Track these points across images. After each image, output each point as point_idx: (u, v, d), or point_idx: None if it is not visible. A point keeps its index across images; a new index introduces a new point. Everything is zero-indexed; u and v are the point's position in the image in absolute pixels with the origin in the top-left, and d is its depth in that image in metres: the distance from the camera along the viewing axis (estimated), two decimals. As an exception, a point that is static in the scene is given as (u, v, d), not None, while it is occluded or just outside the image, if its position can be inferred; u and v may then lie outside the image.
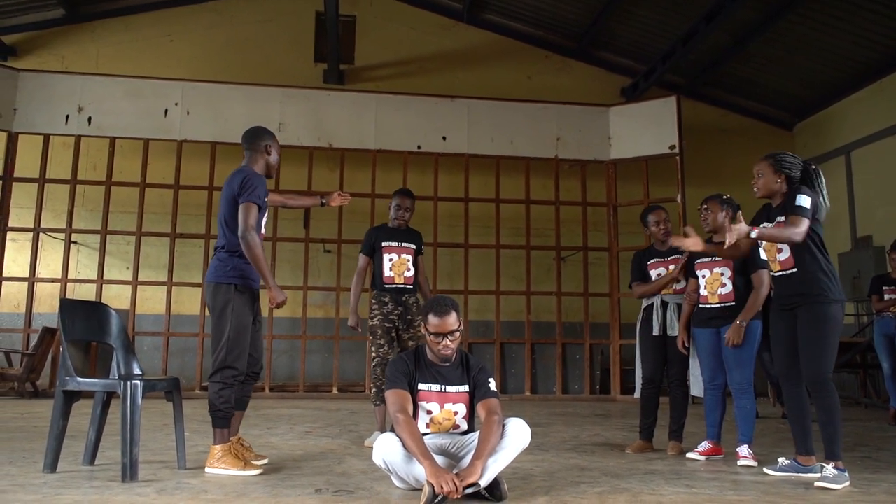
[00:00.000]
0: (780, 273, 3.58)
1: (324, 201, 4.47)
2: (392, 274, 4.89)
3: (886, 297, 6.38)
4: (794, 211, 3.40)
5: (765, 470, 3.66)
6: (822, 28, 8.90)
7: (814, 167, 3.65)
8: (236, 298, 3.55)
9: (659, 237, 4.62)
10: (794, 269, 3.50)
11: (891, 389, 6.32)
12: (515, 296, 9.61)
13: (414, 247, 4.99)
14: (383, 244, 4.93)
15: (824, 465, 3.32)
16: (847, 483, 3.26)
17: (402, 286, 4.89)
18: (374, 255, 4.97)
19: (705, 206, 4.29)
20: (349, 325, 4.93)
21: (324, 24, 9.90)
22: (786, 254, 3.53)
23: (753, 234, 3.36)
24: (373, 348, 4.85)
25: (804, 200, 3.41)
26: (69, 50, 10.18)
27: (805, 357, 3.44)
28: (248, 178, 3.59)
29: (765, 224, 3.61)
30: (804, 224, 3.36)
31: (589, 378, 9.52)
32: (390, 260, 4.90)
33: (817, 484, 3.24)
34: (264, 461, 3.76)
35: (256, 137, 3.81)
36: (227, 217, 3.62)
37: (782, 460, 3.62)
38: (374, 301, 4.89)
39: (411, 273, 4.93)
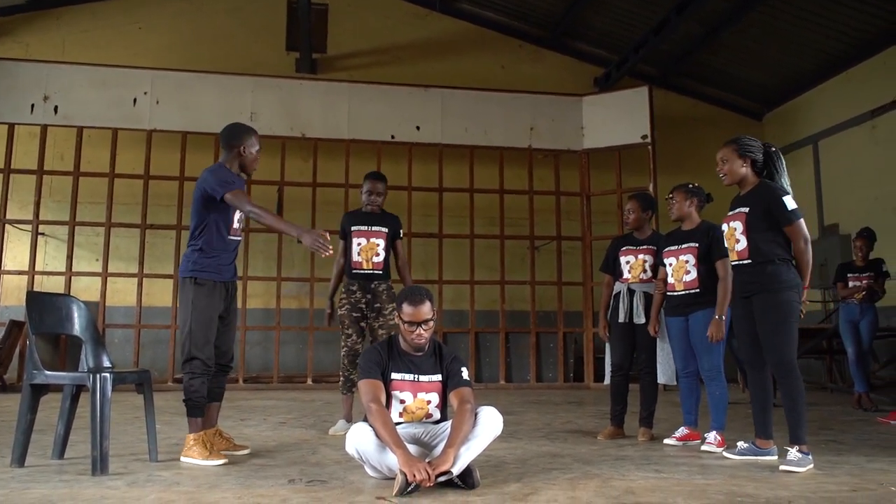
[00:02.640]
0: (737, 262, 3.66)
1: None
2: (360, 259, 4.79)
3: (851, 284, 6.52)
4: (790, 218, 3.49)
5: (724, 453, 3.74)
6: (791, 19, 9.01)
7: (773, 149, 3.71)
8: (196, 291, 3.60)
9: (625, 226, 4.75)
10: (749, 261, 3.58)
11: (855, 374, 6.47)
12: (490, 285, 9.65)
13: (386, 230, 4.85)
14: (353, 228, 4.85)
15: (788, 448, 3.39)
16: (811, 466, 3.34)
17: (371, 272, 4.79)
18: (346, 240, 4.88)
19: (671, 196, 4.38)
20: (325, 311, 4.98)
21: (295, 12, 9.80)
22: (742, 244, 3.60)
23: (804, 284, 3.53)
24: (342, 337, 4.79)
25: (792, 202, 3.51)
26: (34, 37, 9.95)
27: (767, 346, 3.51)
28: (209, 181, 3.61)
29: (730, 213, 3.71)
30: (803, 228, 3.50)
31: (563, 366, 9.60)
32: (358, 244, 4.80)
33: (782, 468, 3.32)
34: (245, 451, 3.79)
35: (231, 137, 3.83)
36: (193, 214, 3.70)
37: (741, 444, 3.71)
38: (343, 289, 4.84)
39: (381, 258, 4.81)
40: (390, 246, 4.91)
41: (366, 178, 5.00)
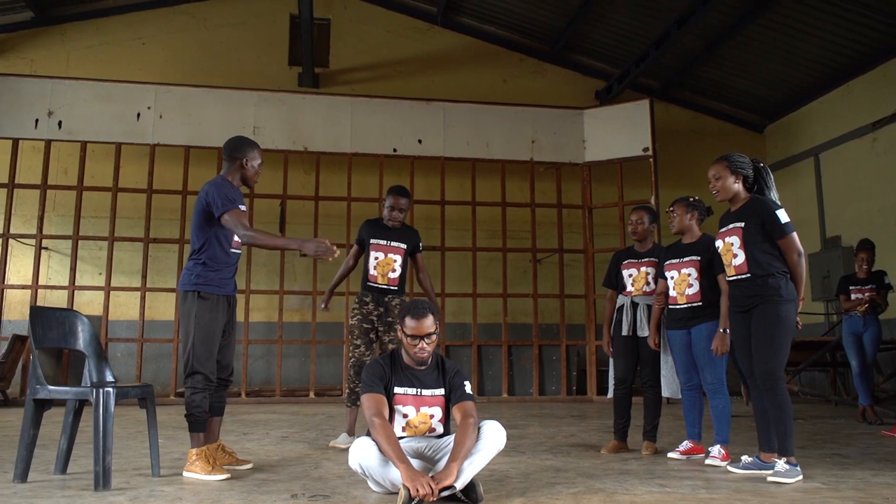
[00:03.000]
0: (735, 277, 3.68)
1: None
2: (376, 273, 4.72)
3: (854, 296, 6.50)
4: (784, 231, 3.53)
5: (728, 468, 3.72)
6: (791, 32, 9.06)
7: (762, 165, 3.77)
8: (199, 305, 3.59)
9: (632, 237, 4.71)
10: (748, 275, 3.60)
11: (859, 387, 6.44)
12: (492, 298, 9.65)
13: (405, 247, 4.80)
14: (372, 241, 4.76)
15: (777, 460, 3.41)
16: (799, 477, 3.35)
17: (385, 287, 4.73)
18: (365, 251, 4.80)
19: (672, 209, 4.38)
20: (321, 307, 4.96)
21: (298, 27, 9.88)
22: (741, 258, 3.62)
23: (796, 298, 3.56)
24: (350, 348, 4.74)
25: (785, 216, 3.55)
26: (38, 53, 10.02)
27: (757, 355, 3.54)
28: (212, 195, 3.61)
29: (722, 229, 3.76)
30: (796, 241, 3.54)
31: (565, 379, 9.58)
32: (376, 258, 4.73)
33: (770, 479, 3.34)
34: (248, 465, 3.78)
35: (234, 150, 3.82)
36: (194, 228, 3.69)
37: (745, 458, 3.70)
38: (356, 300, 4.78)
39: (396, 274, 4.75)
40: (408, 261, 4.87)
41: (389, 192, 4.90)
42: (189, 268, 3.67)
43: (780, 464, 3.37)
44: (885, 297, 6.46)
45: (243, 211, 3.67)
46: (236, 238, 3.74)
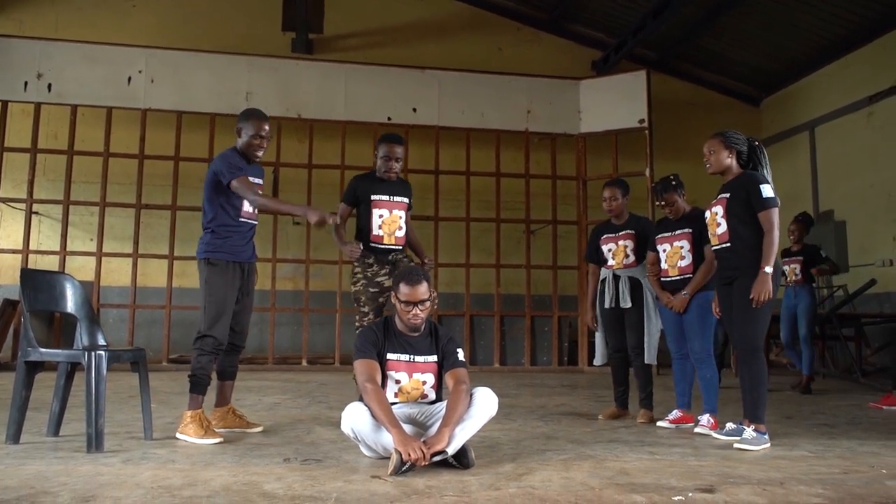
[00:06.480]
0: (718, 246, 3.76)
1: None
2: (382, 233, 4.22)
3: (785, 268, 6.58)
4: (765, 205, 3.55)
5: (713, 434, 3.78)
6: (790, 3, 8.96)
7: (757, 143, 3.82)
8: (209, 271, 3.70)
9: (608, 213, 4.76)
10: (729, 244, 3.68)
11: (790, 356, 6.79)
12: (485, 268, 9.65)
13: (407, 201, 4.36)
14: (373, 198, 4.24)
15: (745, 426, 3.52)
16: (767, 445, 3.43)
17: (392, 247, 4.26)
18: (360, 208, 4.29)
19: (662, 203, 4.37)
20: (348, 251, 4.22)
21: (292, -9, 9.71)
22: (723, 227, 3.70)
23: (768, 270, 3.49)
24: (356, 316, 4.22)
25: (769, 190, 3.58)
26: (27, 14, 9.82)
27: (736, 327, 3.63)
28: (218, 166, 3.73)
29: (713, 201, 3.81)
30: (773, 216, 3.54)
31: (557, 350, 9.64)
32: (380, 216, 4.23)
33: (736, 446, 3.42)
34: (259, 428, 3.87)
35: (238, 121, 3.89)
36: (205, 198, 3.81)
37: (730, 424, 3.78)
38: (356, 264, 4.24)
39: (402, 232, 4.28)
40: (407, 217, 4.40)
41: (382, 140, 4.42)
42: (201, 237, 3.81)
43: (749, 431, 3.47)
44: (831, 266, 6.71)
45: (252, 181, 3.76)
46: (246, 208, 3.83)
